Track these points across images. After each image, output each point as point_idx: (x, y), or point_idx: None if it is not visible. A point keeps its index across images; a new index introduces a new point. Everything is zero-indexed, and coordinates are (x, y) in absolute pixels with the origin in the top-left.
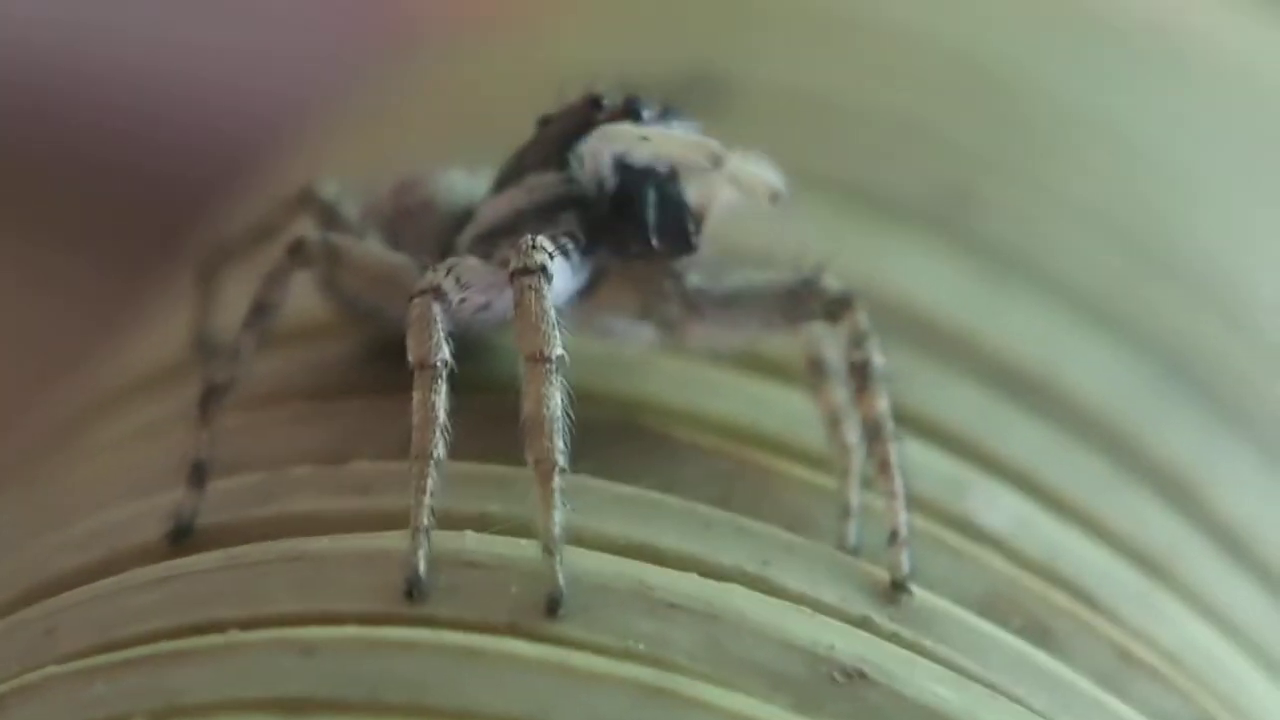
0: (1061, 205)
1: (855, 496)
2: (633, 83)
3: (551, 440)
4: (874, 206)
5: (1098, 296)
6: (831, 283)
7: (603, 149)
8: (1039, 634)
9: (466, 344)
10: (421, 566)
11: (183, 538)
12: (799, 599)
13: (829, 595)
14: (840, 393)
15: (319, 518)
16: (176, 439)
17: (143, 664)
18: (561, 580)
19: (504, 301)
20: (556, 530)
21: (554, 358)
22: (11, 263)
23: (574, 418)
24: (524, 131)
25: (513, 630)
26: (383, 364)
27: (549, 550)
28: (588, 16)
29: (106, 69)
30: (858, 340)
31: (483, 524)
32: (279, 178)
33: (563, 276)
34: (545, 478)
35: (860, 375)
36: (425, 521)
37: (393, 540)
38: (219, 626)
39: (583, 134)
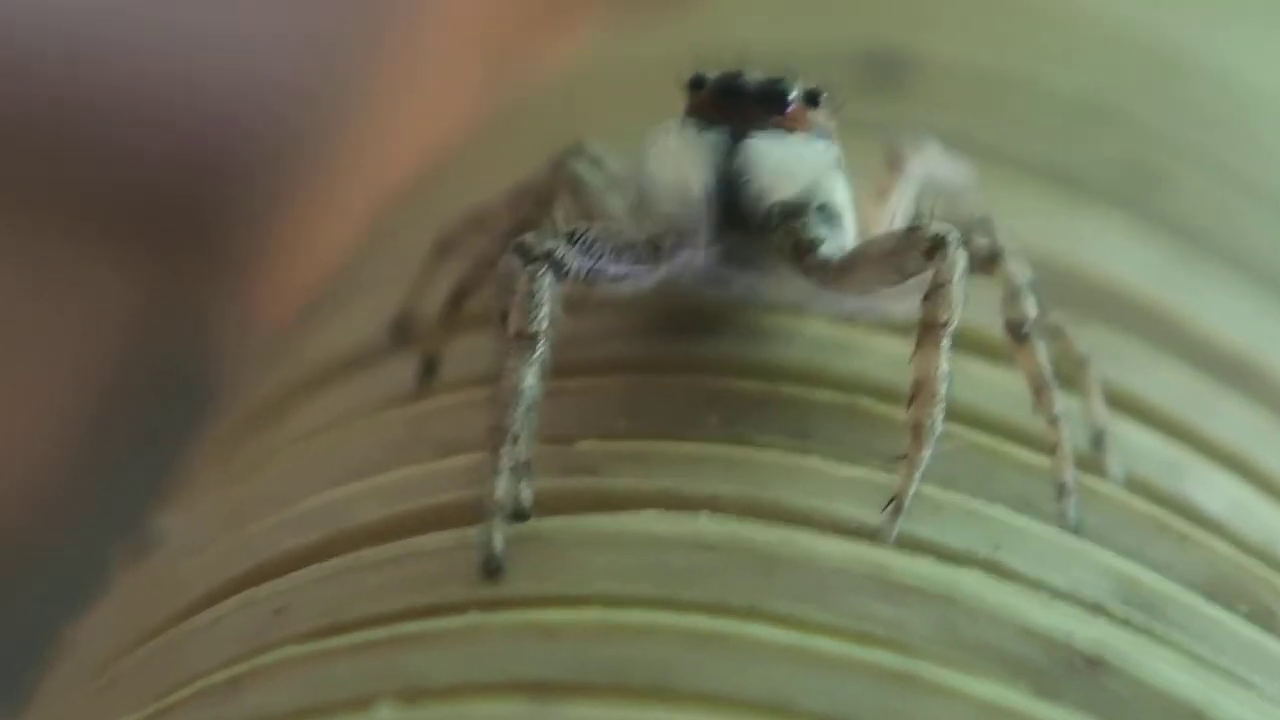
0: (1247, 189)
1: (1069, 473)
2: (774, 62)
3: (505, 410)
4: (1065, 186)
5: None
6: (949, 232)
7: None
8: (1265, 619)
9: (720, 323)
10: (498, 544)
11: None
12: (1033, 583)
13: (1060, 580)
14: (1041, 358)
15: (548, 498)
16: (388, 419)
17: (382, 645)
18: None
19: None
20: (500, 494)
21: (529, 334)
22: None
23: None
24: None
25: (751, 614)
26: (609, 342)
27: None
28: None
29: (108, 54)
30: (1012, 295)
31: (716, 505)
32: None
33: (584, 260)
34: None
35: (1014, 333)
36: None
37: (628, 522)
38: (457, 608)
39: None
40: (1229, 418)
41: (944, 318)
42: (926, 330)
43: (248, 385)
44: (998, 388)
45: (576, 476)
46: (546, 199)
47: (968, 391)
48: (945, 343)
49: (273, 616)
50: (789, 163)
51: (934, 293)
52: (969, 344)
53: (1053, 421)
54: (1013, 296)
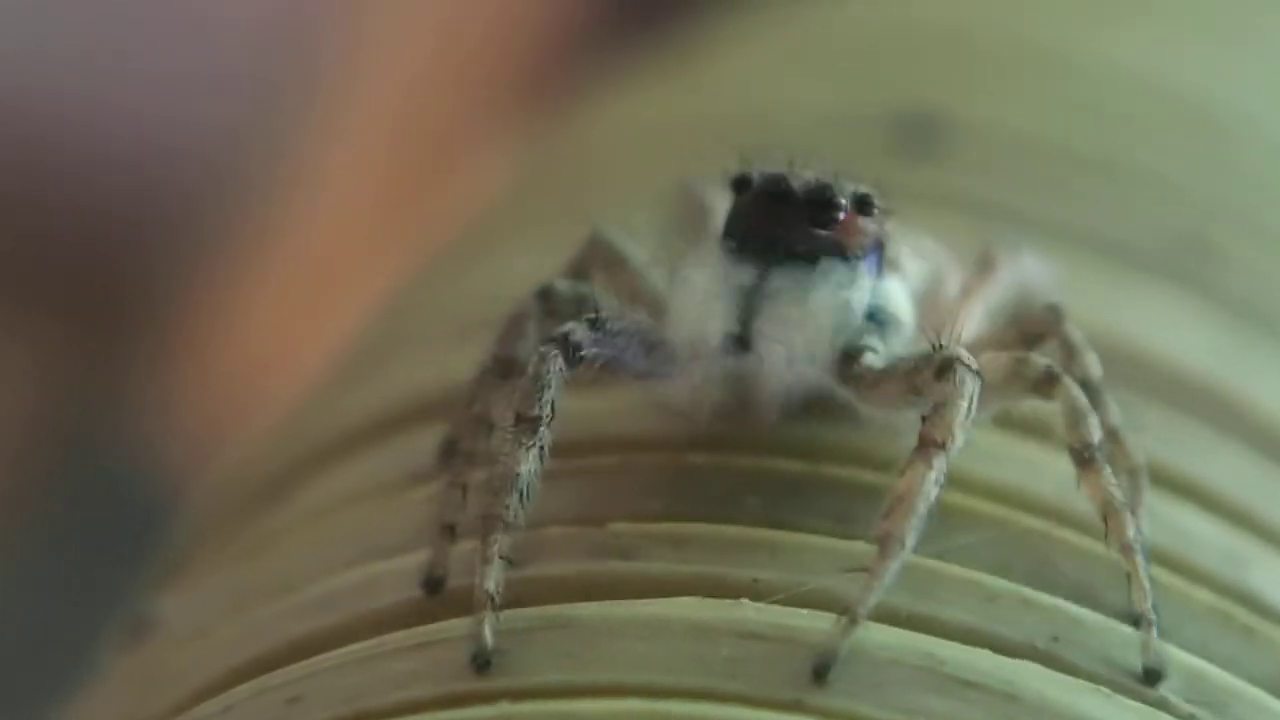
0: None
1: (1147, 604)
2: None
3: (498, 496)
4: (1111, 256)
5: None
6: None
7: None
8: None
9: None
10: (488, 638)
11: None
12: (1093, 677)
13: (1123, 675)
14: (1108, 482)
15: (581, 582)
16: (408, 498)
17: None
18: None
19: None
20: (491, 586)
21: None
22: None
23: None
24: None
25: (799, 708)
26: (641, 417)
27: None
28: (798, 56)
29: (21, 111)
30: (1073, 418)
31: (758, 592)
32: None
33: (603, 349)
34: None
35: (1077, 458)
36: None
37: (666, 608)
38: (487, 698)
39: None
40: None
41: (940, 438)
42: (921, 446)
43: (248, 462)
44: (1048, 469)
45: (611, 560)
46: (580, 276)
47: (1018, 473)
48: (938, 463)
49: (287, 706)
50: (808, 314)
51: (934, 413)
52: (1019, 424)
53: (1125, 549)
54: (1074, 420)
